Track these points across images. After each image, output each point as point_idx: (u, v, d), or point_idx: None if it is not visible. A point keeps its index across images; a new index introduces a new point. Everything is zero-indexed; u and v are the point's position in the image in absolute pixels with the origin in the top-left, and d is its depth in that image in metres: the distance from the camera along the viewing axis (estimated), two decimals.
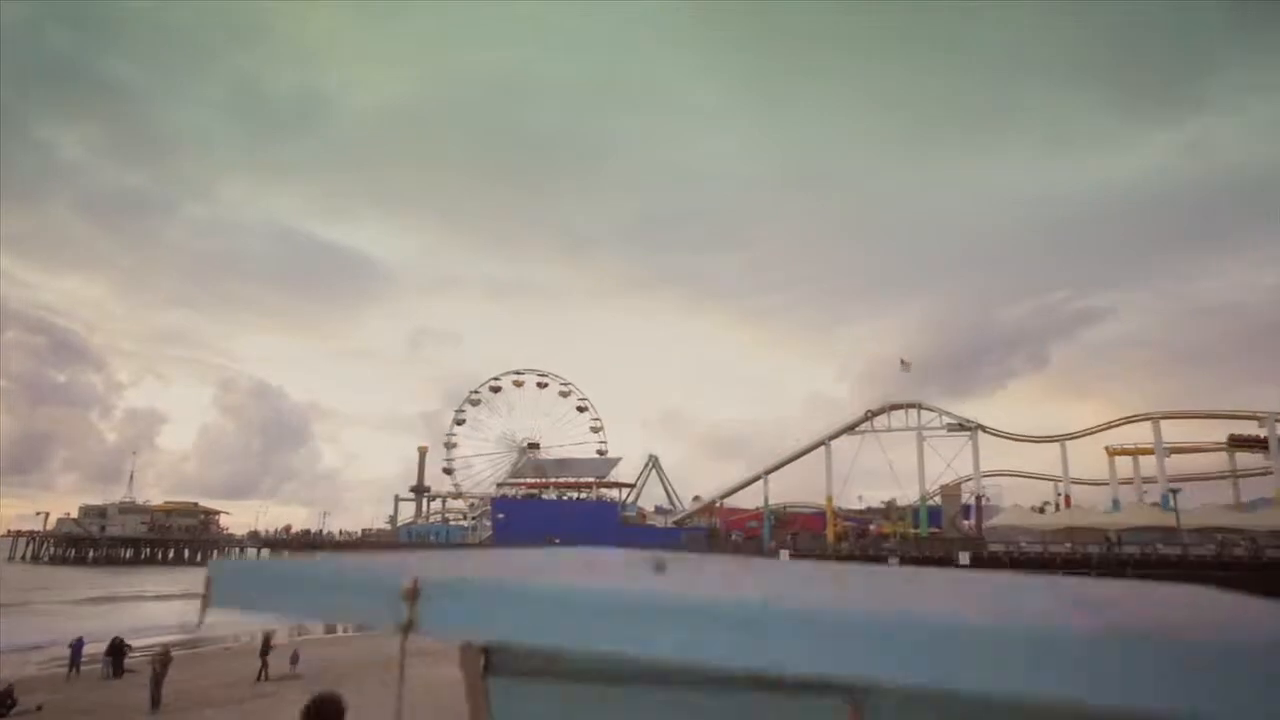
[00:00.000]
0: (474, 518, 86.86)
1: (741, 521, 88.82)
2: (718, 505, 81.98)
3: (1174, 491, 59.61)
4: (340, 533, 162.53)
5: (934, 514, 78.22)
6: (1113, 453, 73.13)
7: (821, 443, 76.51)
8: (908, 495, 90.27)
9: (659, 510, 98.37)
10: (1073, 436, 71.27)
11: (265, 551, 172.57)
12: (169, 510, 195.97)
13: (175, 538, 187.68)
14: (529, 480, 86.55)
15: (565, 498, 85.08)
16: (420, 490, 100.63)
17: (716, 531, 78.18)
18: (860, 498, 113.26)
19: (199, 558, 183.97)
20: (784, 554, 68.29)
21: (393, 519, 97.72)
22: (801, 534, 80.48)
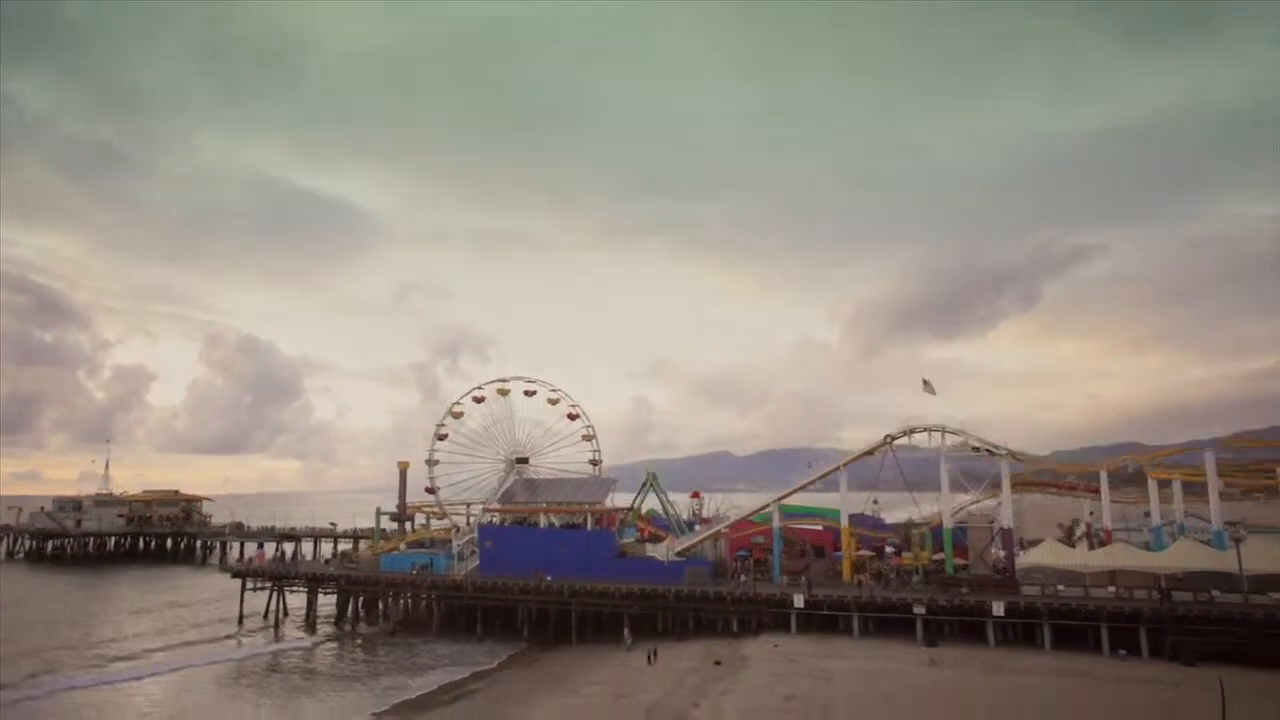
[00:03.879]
0: (460, 544, 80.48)
1: (746, 539, 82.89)
2: (724, 530, 75.71)
3: (1237, 542, 53.19)
4: (319, 547, 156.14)
5: (954, 534, 72.16)
6: (1156, 475, 66.80)
7: (837, 469, 70.24)
8: (923, 510, 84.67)
9: (655, 521, 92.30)
10: (1114, 466, 64.97)
11: (251, 547, 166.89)
12: (149, 500, 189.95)
13: (155, 531, 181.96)
14: (517, 506, 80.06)
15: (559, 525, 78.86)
16: (402, 513, 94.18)
17: (722, 566, 72.13)
18: (875, 501, 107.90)
19: (181, 548, 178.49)
20: (798, 599, 62.41)
21: (375, 535, 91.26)
22: (814, 566, 74.54)
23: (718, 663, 54.24)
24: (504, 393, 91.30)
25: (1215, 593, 56.13)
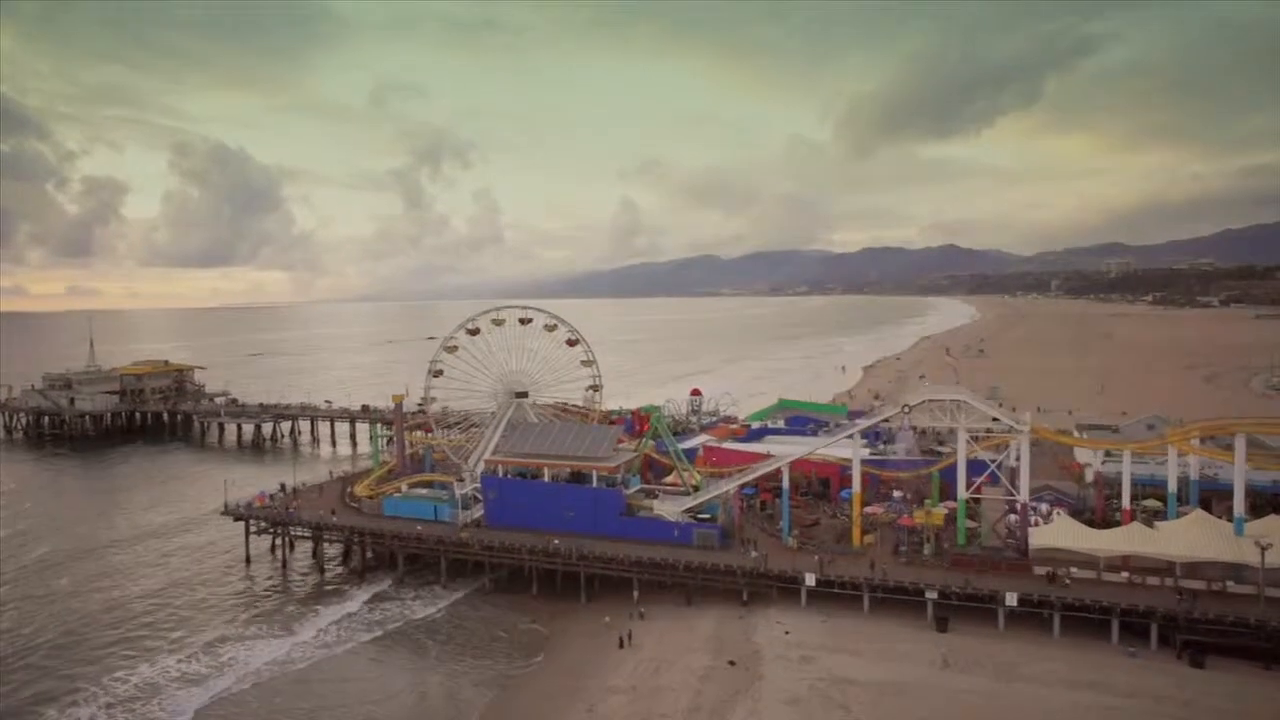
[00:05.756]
0: (464, 493, 79.35)
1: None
2: (732, 491, 74.09)
3: (1264, 548, 52.28)
4: (317, 429, 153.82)
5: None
6: (1180, 445, 64.64)
7: (850, 434, 68.12)
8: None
9: (659, 446, 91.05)
10: (1139, 445, 62.93)
11: (249, 429, 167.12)
12: (140, 373, 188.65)
13: (149, 408, 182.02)
14: (520, 458, 78.00)
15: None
16: (400, 448, 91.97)
17: (731, 529, 71.48)
18: (876, 396, 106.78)
19: (178, 422, 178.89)
20: (809, 578, 62.27)
21: (375, 456, 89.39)
22: (823, 522, 74.27)
23: (731, 662, 54.63)
24: (499, 322, 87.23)
25: (1230, 583, 56.15)
